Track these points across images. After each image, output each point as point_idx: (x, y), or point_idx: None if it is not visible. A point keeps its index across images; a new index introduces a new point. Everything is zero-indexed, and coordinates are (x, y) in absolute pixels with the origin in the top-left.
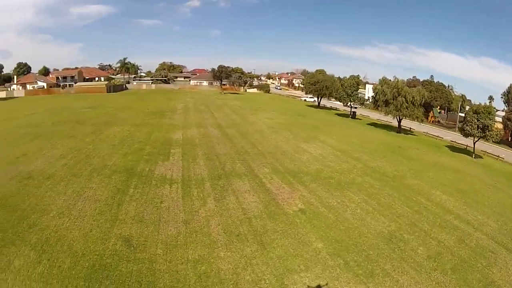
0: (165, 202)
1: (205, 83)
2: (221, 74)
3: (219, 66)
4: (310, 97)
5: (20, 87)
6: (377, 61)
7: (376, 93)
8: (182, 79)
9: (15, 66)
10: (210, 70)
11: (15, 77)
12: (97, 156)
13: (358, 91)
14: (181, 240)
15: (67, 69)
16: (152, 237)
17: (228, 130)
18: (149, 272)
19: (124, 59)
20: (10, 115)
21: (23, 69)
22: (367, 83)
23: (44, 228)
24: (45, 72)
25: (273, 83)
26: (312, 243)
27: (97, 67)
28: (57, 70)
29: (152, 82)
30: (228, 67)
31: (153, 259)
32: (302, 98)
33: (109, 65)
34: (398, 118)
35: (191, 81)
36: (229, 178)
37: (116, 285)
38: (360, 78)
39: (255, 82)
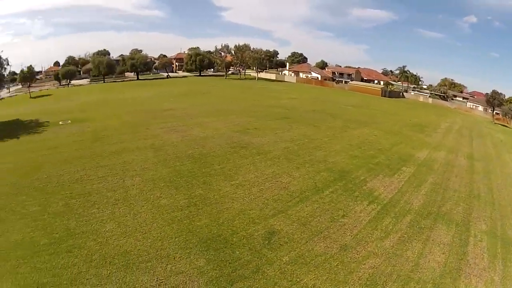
0: (346, 218)
1: (480, 108)
2: (493, 101)
3: (492, 91)
4: None
5: (292, 74)
6: None
7: None
8: (461, 99)
9: (290, 54)
10: (485, 94)
11: (287, 64)
12: (324, 149)
13: None
14: (316, 261)
15: (349, 67)
16: (294, 243)
17: (476, 164)
18: (251, 267)
19: (403, 67)
20: (276, 95)
21: (298, 58)
22: None
23: (213, 189)
24: (322, 65)
25: None
26: None
27: (380, 71)
28: (339, 66)
29: (429, 96)
30: (501, 94)
31: (270, 261)
32: None
33: (391, 71)
34: None
35: (467, 103)
36: (436, 220)
37: (211, 257)
38: None
39: None
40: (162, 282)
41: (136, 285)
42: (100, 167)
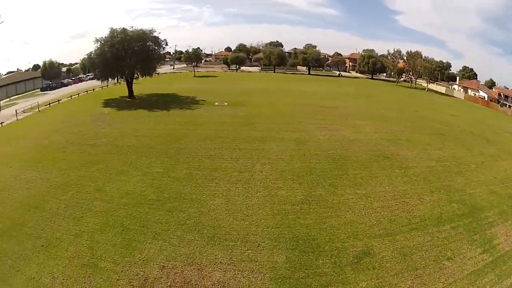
0: (451, 262)
1: None
2: None
3: None
4: None
5: (461, 90)
6: None
7: None
8: None
9: (461, 68)
10: None
11: (457, 78)
12: (467, 177)
13: None
14: None
15: None
16: (381, 272)
17: None
18: (322, 281)
19: None
20: (439, 109)
21: (469, 73)
22: None
23: (335, 193)
24: (490, 84)
25: None
26: None
27: None
28: (507, 88)
29: None
30: None
31: (346, 281)
32: None
33: None
34: None
35: None
36: None
37: (293, 257)
38: None
39: None
40: (232, 263)
41: (208, 257)
42: (237, 149)
